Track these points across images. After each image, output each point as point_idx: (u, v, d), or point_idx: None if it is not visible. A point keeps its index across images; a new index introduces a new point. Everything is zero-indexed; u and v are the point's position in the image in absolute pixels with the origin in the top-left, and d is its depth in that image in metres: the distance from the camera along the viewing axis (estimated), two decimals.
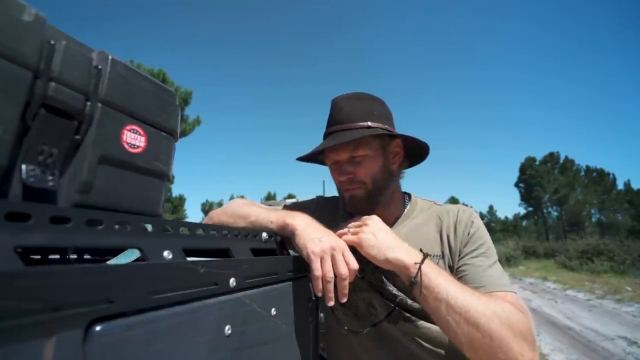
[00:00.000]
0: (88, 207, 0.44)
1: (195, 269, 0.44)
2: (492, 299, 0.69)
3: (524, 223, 48.07)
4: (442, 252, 0.86)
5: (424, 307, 0.72)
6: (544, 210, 41.50)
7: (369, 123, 0.88)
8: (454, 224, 0.89)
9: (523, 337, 0.64)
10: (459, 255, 0.85)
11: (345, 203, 0.94)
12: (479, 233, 0.86)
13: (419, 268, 0.69)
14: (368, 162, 0.88)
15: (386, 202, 0.93)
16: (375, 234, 0.75)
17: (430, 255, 0.75)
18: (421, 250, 0.74)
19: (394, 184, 0.95)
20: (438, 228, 0.90)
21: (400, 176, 0.99)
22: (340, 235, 0.76)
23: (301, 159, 1.00)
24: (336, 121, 0.91)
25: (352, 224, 0.82)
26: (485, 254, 0.83)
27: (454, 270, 0.84)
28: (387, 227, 0.79)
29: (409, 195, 1.02)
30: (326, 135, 0.92)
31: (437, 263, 0.84)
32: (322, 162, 1.05)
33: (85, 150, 0.44)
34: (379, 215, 0.83)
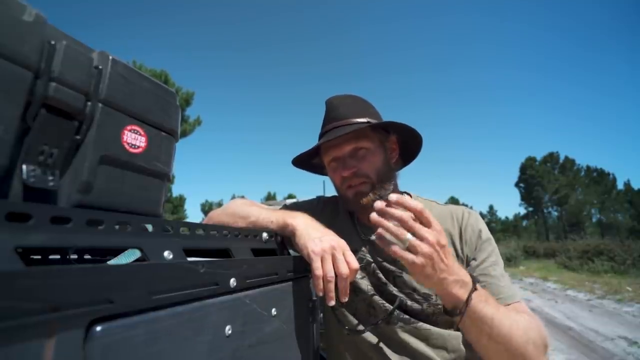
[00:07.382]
0: (88, 207, 0.44)
1: (196, 269, 0.44)
2: (515, 315, 0.71)
3: (524, 223, 48.06)
4: None
5: (463, 332, 0.70)
6: (544, 211, 41.48)
7: (367, 119, 0.88)
8: (459, 226, 0.89)
9: (543, 347, 0.71)
10: (470, 260, 0.85)
11: (347, 202, 0.92)
12: (489, 240, 0.88)
13: (468, 299, 0.65)
14: (371, 156, 0.88)
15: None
16: (435, 264, 0.62)
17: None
18: (472, 276, 0.68)
19: (394, 181, 0.94)
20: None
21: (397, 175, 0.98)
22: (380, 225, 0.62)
23: (298, 161, 0.99)
24: (333, 118, 0.90)
25: (406, 211, 0.64)
26: (496, 262, 0.85)
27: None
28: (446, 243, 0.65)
29: (409, 194, 1.01)
30: (322, 135, 0.91)
31: None
32: (317, 169, 1.04)
33: (86, 150, 0.44)
34: None
